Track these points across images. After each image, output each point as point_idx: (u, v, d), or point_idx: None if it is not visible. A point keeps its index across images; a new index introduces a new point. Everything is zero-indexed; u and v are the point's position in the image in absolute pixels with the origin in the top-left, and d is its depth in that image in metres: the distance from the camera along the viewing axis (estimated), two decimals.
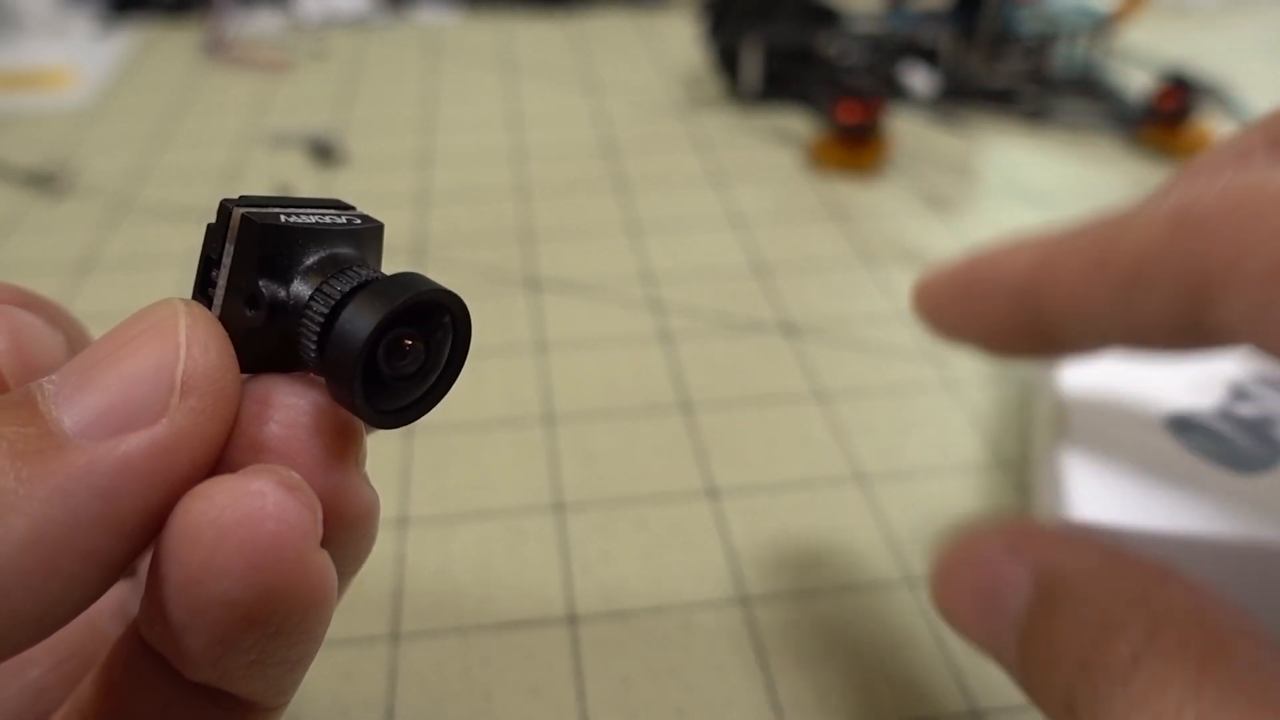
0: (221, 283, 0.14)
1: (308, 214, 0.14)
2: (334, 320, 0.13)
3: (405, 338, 0.14)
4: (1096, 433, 0.25)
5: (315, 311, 0.13)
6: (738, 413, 0.33)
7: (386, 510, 0.29)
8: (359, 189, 0.48)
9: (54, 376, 0.13)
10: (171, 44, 0.66)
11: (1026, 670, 0.17)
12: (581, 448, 0.32)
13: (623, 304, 0.39)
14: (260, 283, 0.14)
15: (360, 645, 0.25)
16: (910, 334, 0.37)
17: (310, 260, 0.14)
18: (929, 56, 0.56)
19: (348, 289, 0.13)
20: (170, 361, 0.13)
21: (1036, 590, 0.17)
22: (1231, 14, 0.71)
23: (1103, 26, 0.56)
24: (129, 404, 0.13)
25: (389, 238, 0.45)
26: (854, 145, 0.49)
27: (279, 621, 0.13)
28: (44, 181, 0.49)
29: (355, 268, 0.14)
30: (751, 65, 0.55)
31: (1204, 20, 0.70)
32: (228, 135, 0.54)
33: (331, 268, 0.14)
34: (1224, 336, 0.16)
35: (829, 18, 0.56)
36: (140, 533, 0.13)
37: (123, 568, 0.13)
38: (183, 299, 0.14)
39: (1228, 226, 0.15)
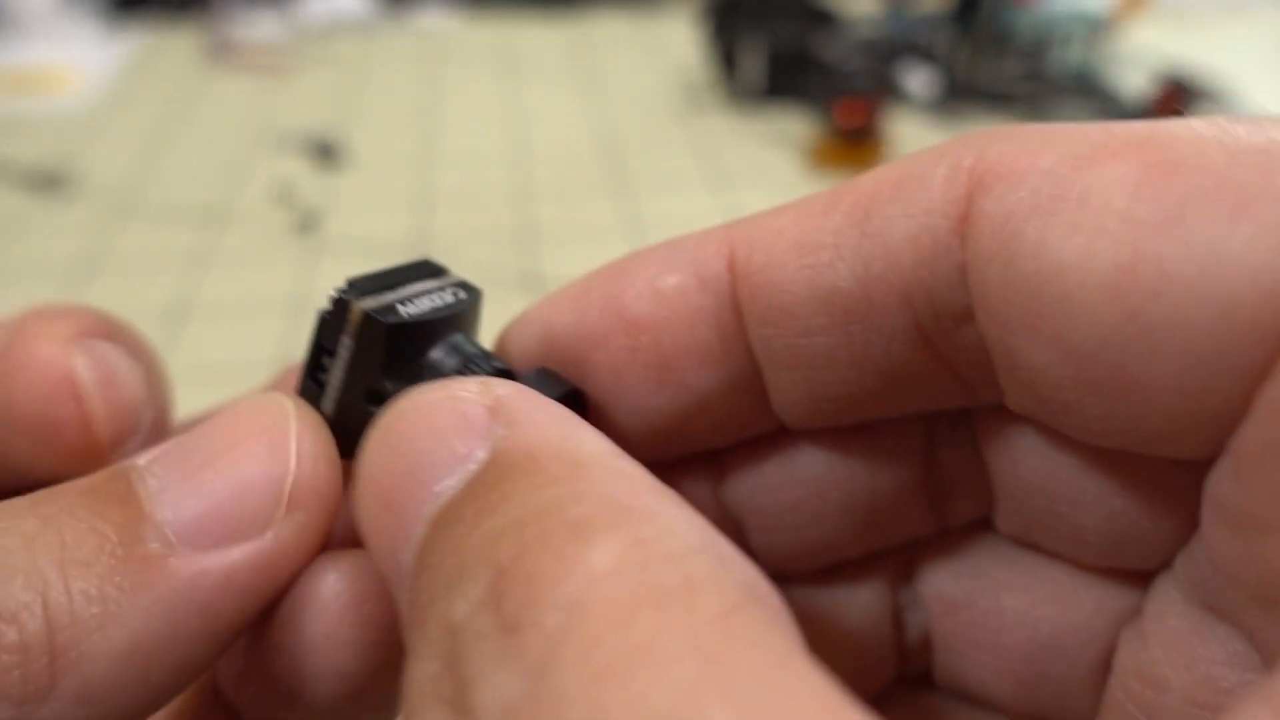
0: (338, 374, 0.14)
1: (420, 297, 0.14)
2: None
3: None
4: None
5: None
6: None
7: None
8: (361, 190, 0.49)
9: (155, 466, 0.12)
10: (174, 47, 0.66)
11: (416, 593, 0.10)
12: None
13: None
14: (386, 381, 0.14)
15: None
16: None
17: (433, 352, 0.14)
18: (928, 58, 0.57)
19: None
20: (280, 473, 0.13)
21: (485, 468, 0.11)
22: (1228, 18, 0.71)
23: (1100, 29, 0.57)
24: (235, 513, 0.12)
25: (395, 240, 0.45)
26: (853, 147, 0.49)
27: (384, 693, 0.13)
28: (47, 183, 0.50)
29: (476, 361, 0.14)
30: (751, 68, 0.55)
31: (1201, 24, 0.70)
32: (230, 137, 0.54)
33: (454, 357, 0.14)
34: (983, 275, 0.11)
35: (829, 20, 0.57)
36: (231, 640, 0.13)
37: (207, 669, 0.13)
38: (291, 398, 0.13)
39: (1007, 134, 0.12)
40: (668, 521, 0.09)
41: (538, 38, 0.68)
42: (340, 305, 0.13)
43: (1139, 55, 0.60)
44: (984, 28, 0.56)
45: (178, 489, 0.12)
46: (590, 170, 0.50)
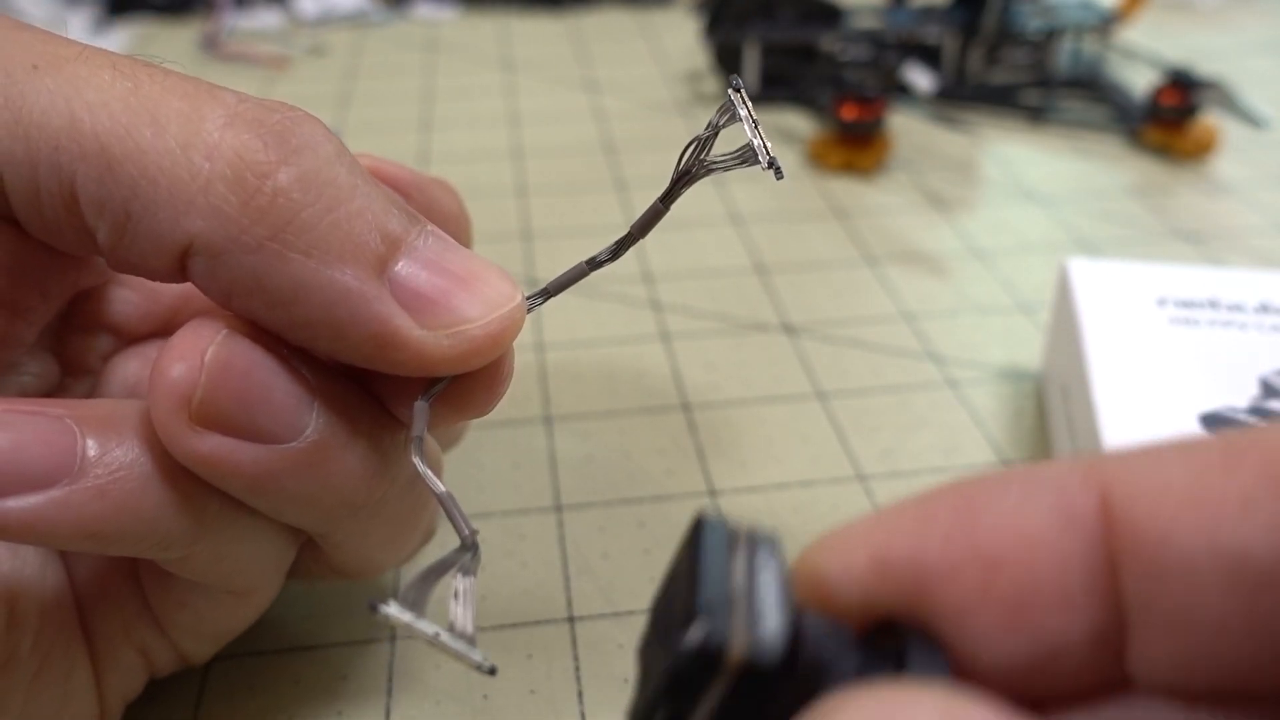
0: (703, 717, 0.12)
1: (762, 588, 0.12)
2: None
3: None
4: (1133, 435, 0.25)
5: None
6: (737, 412, 0.33)
7: None
8: None
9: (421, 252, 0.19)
10: (168, 41, 0.66)
11: None
12: (581, 447, 0.32)
13: (623, 303, 0.39)
14: (766, 705, 0.12)
15: (357, 645, 0.25)
16: (911, 333, 0.37)
17: (807, 649, 0.12)
18: (930, 54, 0.56)
19: None
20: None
21: None
22: (1234, 12, 0.71)
23: (1105, 24, 0.56)
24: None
25: None
26: (855, 143, 0.48)
27: None
28: None
29: (832, 639, 0.13)
30: (752, 63, 0.55)
31: (1207, 18, 0.70)
32: None
33: (825, 646, 0.12)
34: None
35: (830, 15, 0.56)
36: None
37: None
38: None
39: None
40: None
41: (536, 31, 0.68)
42: (709, 648, 0.11)
43: (1144, 51, 0.59)
44: (987, 23, 0.55)
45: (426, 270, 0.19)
46: (588, 164, 0.49)
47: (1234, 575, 0.12)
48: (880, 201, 0.46)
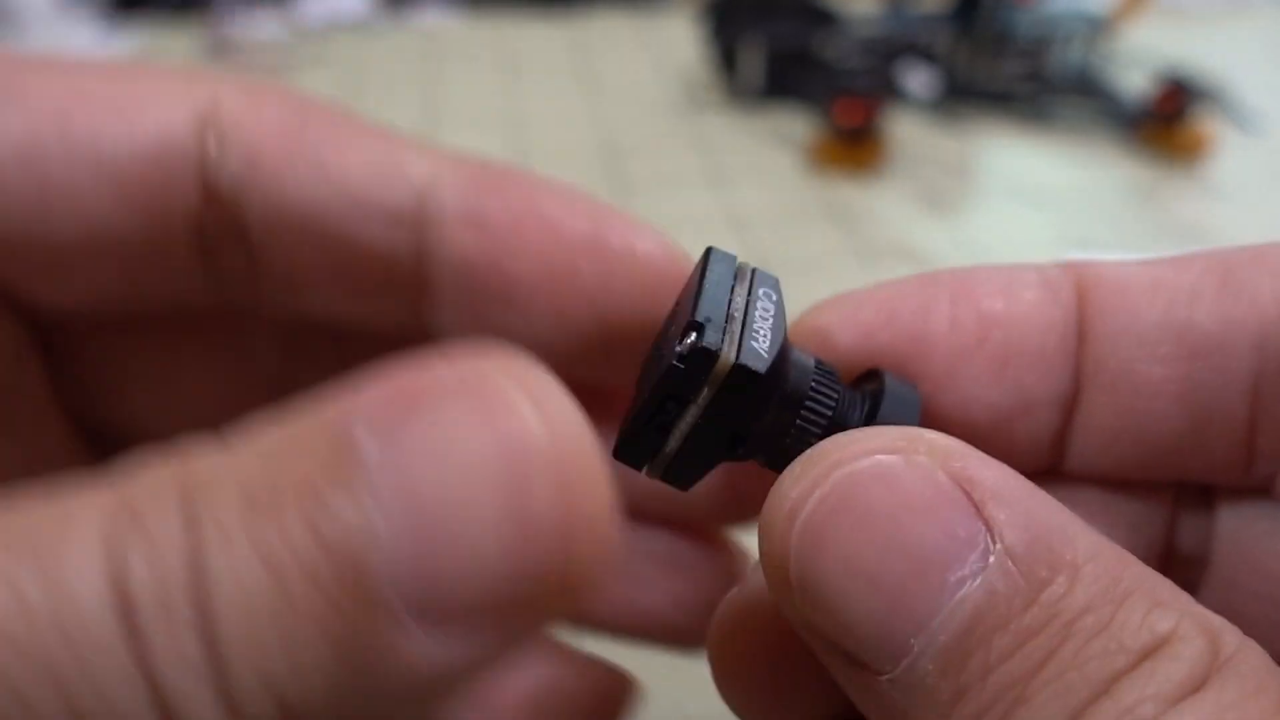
0: (691, 422, 0.12)
1: (758, 320, 0.12)
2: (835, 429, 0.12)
3: None
4: None
5: (814, 426, 0.13)
6: None
7: None
8: None
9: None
10: (174, 47, 0.66)
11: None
12: None
13: None
14: (751, 423, 0.12)
15: None
16: None
17: (792, 379, 0.13)
18: (928, 58, 0.57)
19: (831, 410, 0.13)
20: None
21: None
22: (1229, 16, 0.71)
23: (1100, 29, 0.57)
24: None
25: None
26: (853, 146, 0.49)
27: None
28: None
29: (826, 380, 0.13)
30: (751, 66, 0.55)
31: (1202, 22, 0.70)
32: None
33: (806, 378, 0.13)
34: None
35: (828, 19, 0.57)
36: None
37: None
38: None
39: None
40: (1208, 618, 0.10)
41: (537, 37, 0.68)
42: (702, 356, 0.12)
43: (1139, 55, 0.60)
44: (983, 27, 0.56)
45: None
46: (590, 169, 0.50)
47: (1177, 343, 0.14)
48: (877, 203, 0.47)
